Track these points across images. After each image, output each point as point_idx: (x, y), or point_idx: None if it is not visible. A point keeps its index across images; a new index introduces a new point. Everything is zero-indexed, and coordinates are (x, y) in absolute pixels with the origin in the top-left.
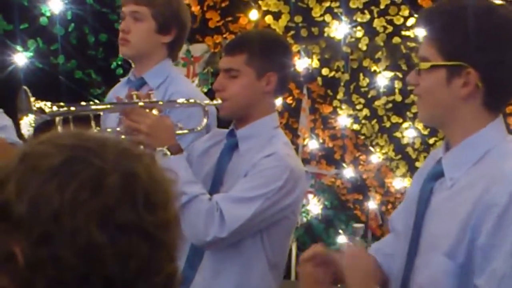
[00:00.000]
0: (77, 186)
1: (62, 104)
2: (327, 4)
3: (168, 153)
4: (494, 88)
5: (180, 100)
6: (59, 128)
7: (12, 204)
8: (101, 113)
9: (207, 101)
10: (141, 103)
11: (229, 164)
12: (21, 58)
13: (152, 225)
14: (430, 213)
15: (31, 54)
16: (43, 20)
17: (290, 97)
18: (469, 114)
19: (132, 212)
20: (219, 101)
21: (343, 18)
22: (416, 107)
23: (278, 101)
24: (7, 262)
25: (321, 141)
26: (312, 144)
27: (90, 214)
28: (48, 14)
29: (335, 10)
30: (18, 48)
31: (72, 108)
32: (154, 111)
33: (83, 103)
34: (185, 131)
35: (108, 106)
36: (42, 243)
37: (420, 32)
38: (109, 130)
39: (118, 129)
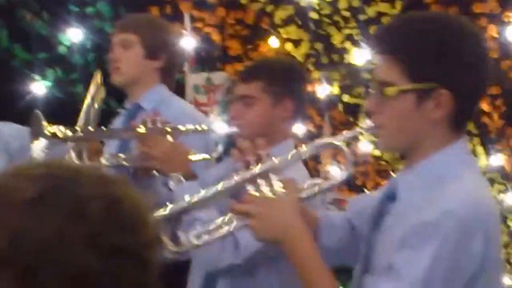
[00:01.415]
0: (60, 216)
1: (74, 128)
2: (347, 31)
3: (183, 179)
4: (463, 108)
5: (195, 127)
6: (72, 152)
7: None
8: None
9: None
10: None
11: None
12: (40, 88)
13: (139, 246)
14: (378, 236)
15: (50, 83)
16: (62, 49)
17: (312, 125)
18: (436, 137)
19: (119, 235)
20: (235, 129)
21: (363, 45)
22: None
23: (301, 129)
24: None
25: (342, 167)
26: (334, 170)
27: (78, 242)
28: (67, 43)
29: (355, 37)
30: (37, 77)
31: (85, 134)
32: (168, 137)
33: (95, 128)
34: (202, 157)
35: (121, 132)
36: (29, 277)
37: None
38: (107, 156)
39: (121, 154)
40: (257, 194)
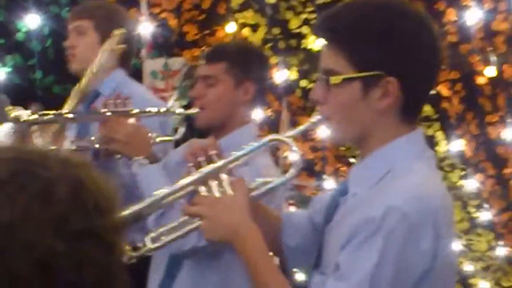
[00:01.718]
0: (27, 198)
1: (38, 112)
2: (304, 16)
3: (145, 162)
4: (412, 97)
5: (156, 109)
6: (35, 136)
7: None
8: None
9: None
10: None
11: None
12: None
13: (103, 229)
14: (329, 230)
15: (9, 69)
16: (19, 35)
17: (270, 110)
18: (385, 128)
19: (84, 218)
20: (197, 110)
21: None
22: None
23: (260, 114)
24: None
25: (301, 153)
26: (293, 156)
27: (44, 224)
28: (24, 29)
29: (312, 22)
30: None
31: (48, 117)
32: (131, 120)
33: (58, 112)
34: (164, 138)
35: (83, 115)
36: None
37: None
38: (69, 140)
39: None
40: (206, 195)
